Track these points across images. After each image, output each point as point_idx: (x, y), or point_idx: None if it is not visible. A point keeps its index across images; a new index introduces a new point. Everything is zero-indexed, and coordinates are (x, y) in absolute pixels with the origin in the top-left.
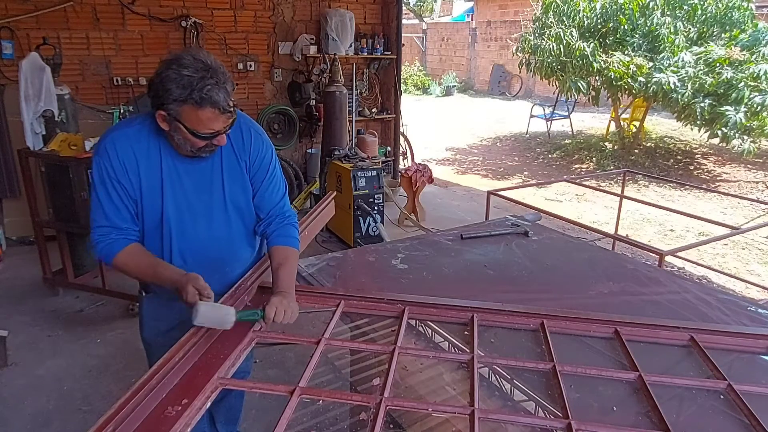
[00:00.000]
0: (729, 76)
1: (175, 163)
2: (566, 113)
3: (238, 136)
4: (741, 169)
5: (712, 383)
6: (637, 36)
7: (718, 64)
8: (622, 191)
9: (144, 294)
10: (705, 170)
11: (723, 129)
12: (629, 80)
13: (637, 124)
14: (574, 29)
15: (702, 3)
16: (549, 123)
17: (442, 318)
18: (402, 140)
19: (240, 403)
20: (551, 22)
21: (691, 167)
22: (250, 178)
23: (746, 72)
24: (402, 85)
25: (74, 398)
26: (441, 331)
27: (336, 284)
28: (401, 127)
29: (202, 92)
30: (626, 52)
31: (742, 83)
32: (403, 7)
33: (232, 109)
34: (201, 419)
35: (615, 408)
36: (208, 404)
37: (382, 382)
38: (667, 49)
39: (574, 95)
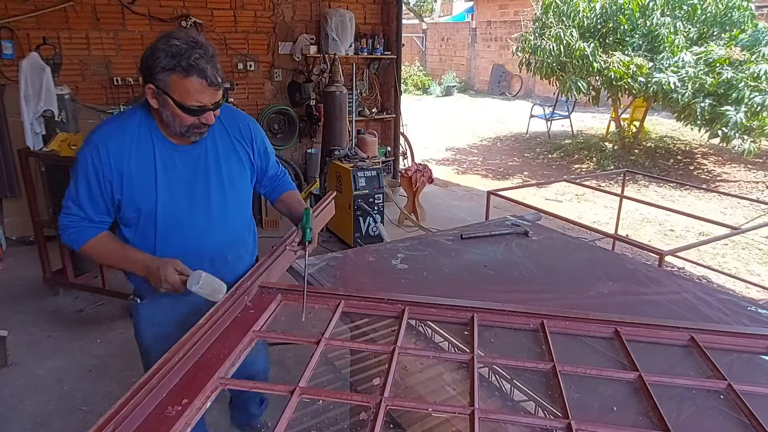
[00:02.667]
0: (729, 76)
1: (169, 151)
2: (566, 113)
3: (236, 125)
4: (741, 169)
5: (712, 383)
6: (637, 36)
7: (718, 64)
8: (622, 191)
9: (139, 301)
10: (705, 170)
11: (723, 129)
12: (629, 80)
13: (637, 124)
14: (574, 29)
15: (702, 3)
16: (549, 123)
17: (442, 318)
18: (402, 140)
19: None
20: (551, 22)
21: (691, 167)
22: (258, 166)
23: (746, 72)
24: (402, 85)
25: (74, 398)
26: (441, 331)
27: (336, 284)
28: (401, 127)
29: (189, 60)
30: (626, 52)
31: (742, 83)
32: (403, 7)
33: (219, 84)
34: (200, 419)
35: (615, 408)
36: (208, 404)
37: (382, 382)
38: (667, 49)
39: (574, 95)
